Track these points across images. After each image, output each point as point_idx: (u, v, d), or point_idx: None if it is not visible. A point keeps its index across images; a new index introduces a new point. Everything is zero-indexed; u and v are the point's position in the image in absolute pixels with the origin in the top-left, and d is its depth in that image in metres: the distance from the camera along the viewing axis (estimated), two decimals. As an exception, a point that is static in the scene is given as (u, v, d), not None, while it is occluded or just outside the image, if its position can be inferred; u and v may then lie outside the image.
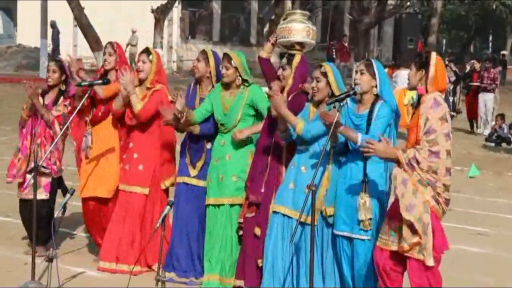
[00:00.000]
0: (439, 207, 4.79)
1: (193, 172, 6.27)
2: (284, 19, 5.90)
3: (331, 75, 5.44)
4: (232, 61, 5.99)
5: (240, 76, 6.02)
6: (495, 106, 18.37)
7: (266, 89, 5.96)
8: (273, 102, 5.44)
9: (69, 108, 6.70)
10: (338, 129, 5.01)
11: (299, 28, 5.78)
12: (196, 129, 6.18)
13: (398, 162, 4.77)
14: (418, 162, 4.70)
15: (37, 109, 6.63)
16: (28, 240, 7.04)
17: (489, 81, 17.95)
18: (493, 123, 17.39)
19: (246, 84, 6.07)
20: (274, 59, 6.05)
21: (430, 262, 4.73)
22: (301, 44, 5.83)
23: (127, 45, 25.05)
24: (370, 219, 5.08)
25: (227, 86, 6.11)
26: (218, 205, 6.06)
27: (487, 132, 17.40)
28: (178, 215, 6.28)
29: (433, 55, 4.92)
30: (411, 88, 5.00)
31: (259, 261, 5.67)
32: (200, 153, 6.24)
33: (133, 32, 26.44)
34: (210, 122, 6.19)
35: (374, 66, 5.17)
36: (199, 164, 6.25)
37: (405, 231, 4.74)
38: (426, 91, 4.85)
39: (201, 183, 6.23)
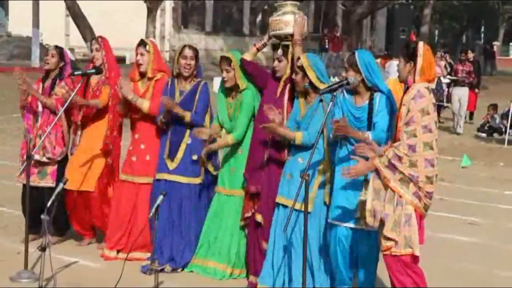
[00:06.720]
0: (420, 204, 4.70)
1: (171, 165, 6.20)
2: (275, 11, 5.90)
3: (309, 69, 5.43)
4: (232, 64, 5.97)
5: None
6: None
7: None
8: (270, 131, 5.46)
9: (67, 88, 6.73)
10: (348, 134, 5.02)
11: (291, 20, 5.78)
12: (187, 117, 6.12)
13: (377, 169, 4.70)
14: (400, 159, 4.63)
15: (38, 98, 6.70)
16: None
17: (464, 74, 16.99)
18: (462, 119, 17.00)
19: (240, 89, 6.00)
20: (267, 49, 6.05)
21: (418, 252, 4.68)
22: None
23: None
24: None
25: (229, 90, 6.08)
26: (229, 196, 6.08)
27: (460, 130, 16.85)
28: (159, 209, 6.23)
29: (421, 45, 4.81)
30: (402, 81, 4.91)
31: (264, 244, 5.70)
32: (178, 146, 6.19)
33: None
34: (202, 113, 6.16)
35: (356, 60, 5.12)
36: (178, 156, 6.19)
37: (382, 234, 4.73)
38: (414, 82, 4.78)
39: (181, 179, 6.18)
